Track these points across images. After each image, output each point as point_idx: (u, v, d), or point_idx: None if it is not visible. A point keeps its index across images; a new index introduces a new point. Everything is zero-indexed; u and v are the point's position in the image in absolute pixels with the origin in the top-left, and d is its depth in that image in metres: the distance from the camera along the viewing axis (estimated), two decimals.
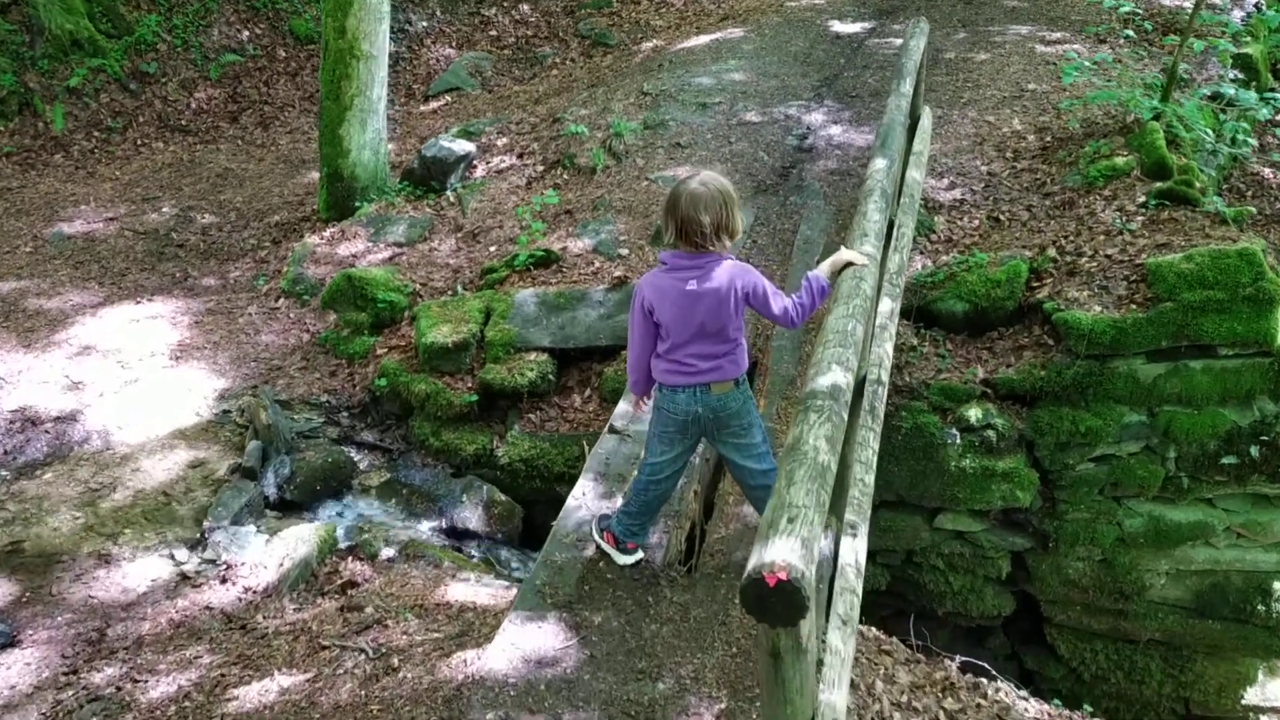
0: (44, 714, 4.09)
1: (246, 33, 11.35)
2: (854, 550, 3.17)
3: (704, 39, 10.63)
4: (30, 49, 10.23)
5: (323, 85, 8.22)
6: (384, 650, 4.06)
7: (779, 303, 3.48)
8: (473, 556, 5.68)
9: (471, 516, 5.93)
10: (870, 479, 3.49)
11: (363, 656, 4.04)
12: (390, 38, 8.60)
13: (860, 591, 3.07)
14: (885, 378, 4.01)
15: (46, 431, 6.25)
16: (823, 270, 3.63)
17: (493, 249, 7.51)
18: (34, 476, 5.96)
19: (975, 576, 6.15)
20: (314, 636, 4.32)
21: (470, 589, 4.60)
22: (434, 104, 11.04)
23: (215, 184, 9.54)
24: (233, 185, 9.52)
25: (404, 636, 4.17)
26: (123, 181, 9.49)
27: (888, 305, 4.48)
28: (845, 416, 2.87)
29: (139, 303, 7.45)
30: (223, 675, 4.16)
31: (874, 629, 4.53)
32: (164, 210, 8.81)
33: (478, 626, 4.13)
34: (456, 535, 5.89)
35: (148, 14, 10.95)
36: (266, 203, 9.12)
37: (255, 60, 11.28)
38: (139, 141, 10.20)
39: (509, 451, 6.12)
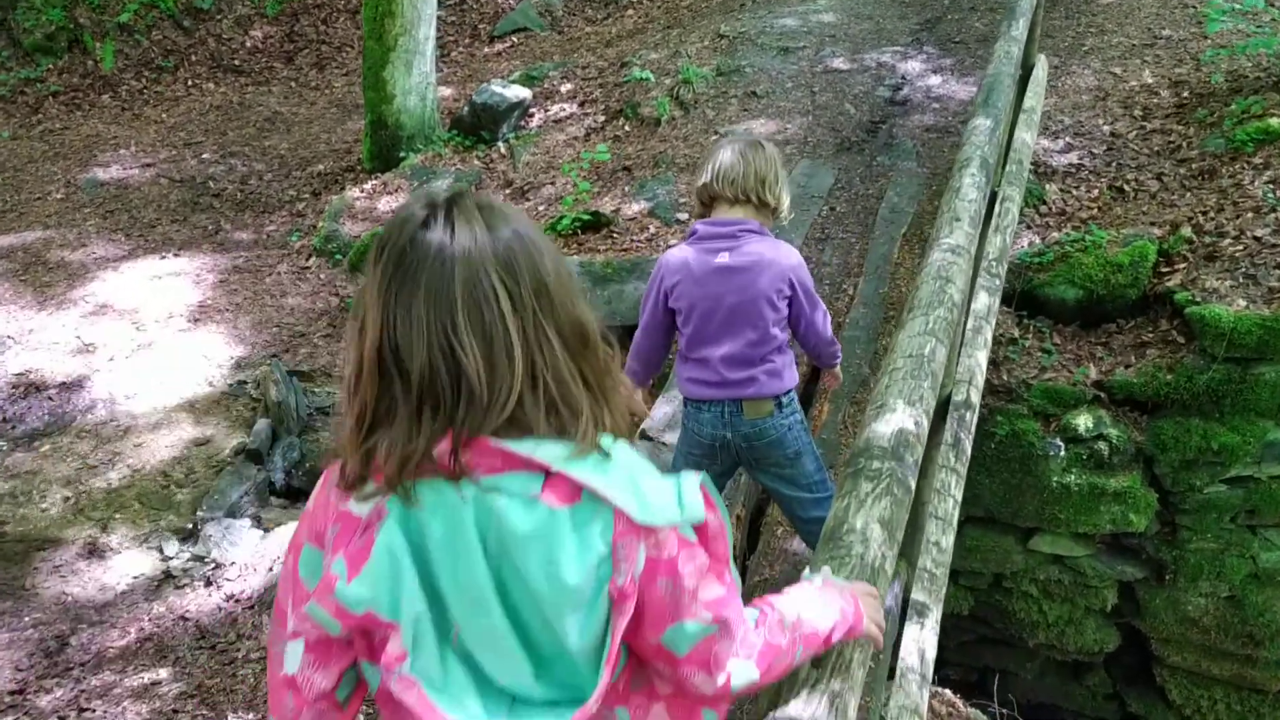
0: None
1: None
2: (918, 645, 2.38)
3: None
4: None
5: (365, 23, 7.54)
6: None
7: (823, 317, 2.70)
8: None
9: None
10: (949, 540, 2.70)
11: None
12: None
13: (925, 714, 2.29)
14: (977, 398, 3.18)
15: (50, 399, 5.76)
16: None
17: (542, 208, 6.78)
18: (31, 448, 5.48)
19: (1075, 607, 5.31)
20: None
21: None
22: (499, 46, 10.29)
23: (262, 129, 8.98)
24: (280, 130, 8.94)
25: None
26: (168, 125, 8.99)
27: (985, 301, 3.64)
28: (913, 483, 2.08)
29: (164, 257, 6.93)
30: (176, 712, 3.58)
31: (948, 692, 3.75)
32: (205, 157, 8.28)
33: None
34: None
35: None
36: (312, 150, 8.52)
37: None
38: (190, 82, 9.69)
39: None
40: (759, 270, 2.68)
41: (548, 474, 1.21)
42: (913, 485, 2.07)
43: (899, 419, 2.20)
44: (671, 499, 1.26)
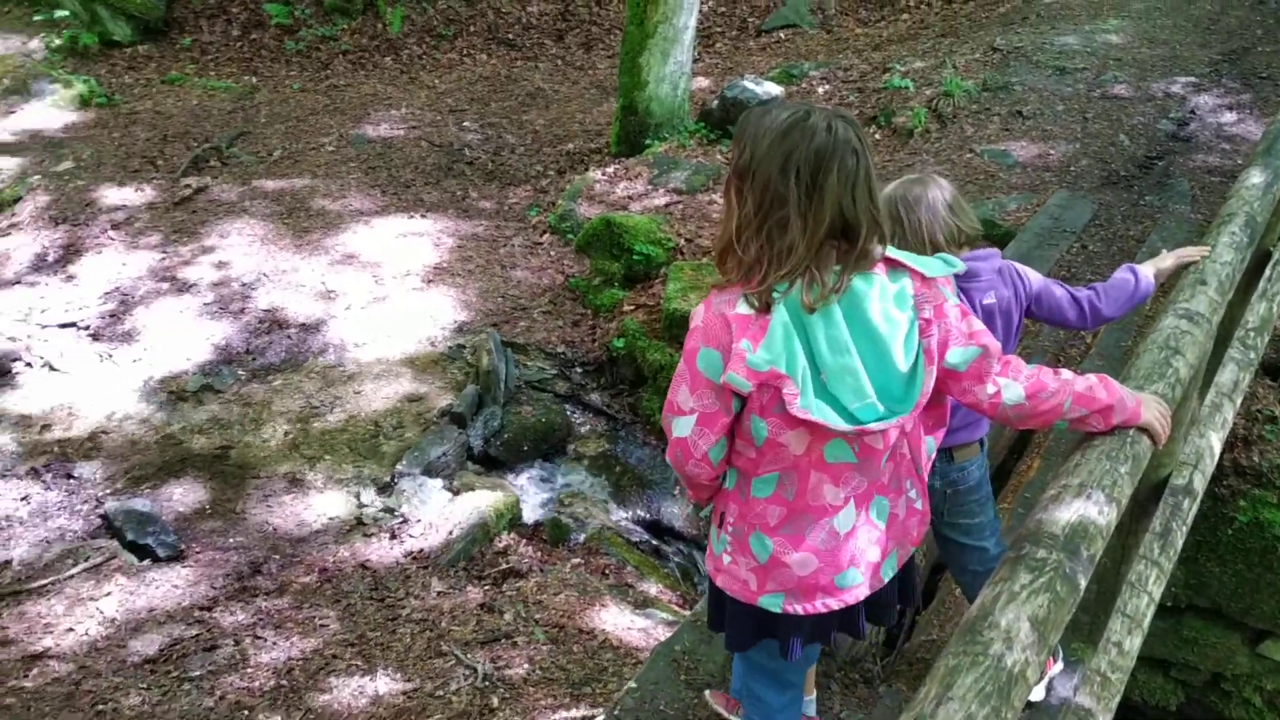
0: (161, 648, 3.85)
1: None
2: None
3: None
4: None
5: (629, 7, 7.59)
6: (495, 679, 3.45)
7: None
8: (667, 562, 4.97)
9: (679, 515, 5.23)
10: (1134, 643, 2.38)
11: (472, 679, 3.46)
12: None
13: None
14: (1202, 484, 2.80)
15: (289, 337, 6.17)
16: (1145, 270, 2.69)
17: None
18: (265, 381, 5.89)
19: None
20: (439, 635, 3.79)
21: (623, 618, 3.89)
22: (765, 40, 10.16)
23: (523, 103, 9.26)
24: (539, 106, 9.19)
25: (525, 665, 3.54)
26: (438, 90, 9.43)
27: (1231, 375, 3.21)
28: (1083, 582, 1.83)
29: (411, 217, 7.26)
30: (334, 657, 3.73)
31: None
32: (466, 125, 8.63)
33: (605, 678, 3.42)
34: (658, 531, 5.21)
35: None
36: (566, 128, 8.71)
37: None
38: (465, 51, 10.12)
39: None
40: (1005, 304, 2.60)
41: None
42: (1082, 584, 1.81)
43: (1082, 505, 1.94)
44: (939, 262, 1.93)
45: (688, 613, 4.14)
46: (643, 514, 5.29)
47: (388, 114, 8.81)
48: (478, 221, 7.30)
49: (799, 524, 2.03)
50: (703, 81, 8.96)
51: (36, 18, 10.07)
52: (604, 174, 7.49)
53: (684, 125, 7.75)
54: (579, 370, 6.13)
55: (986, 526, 2.80)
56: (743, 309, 1.86)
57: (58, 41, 9.90)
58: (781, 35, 10.18)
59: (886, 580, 2.14)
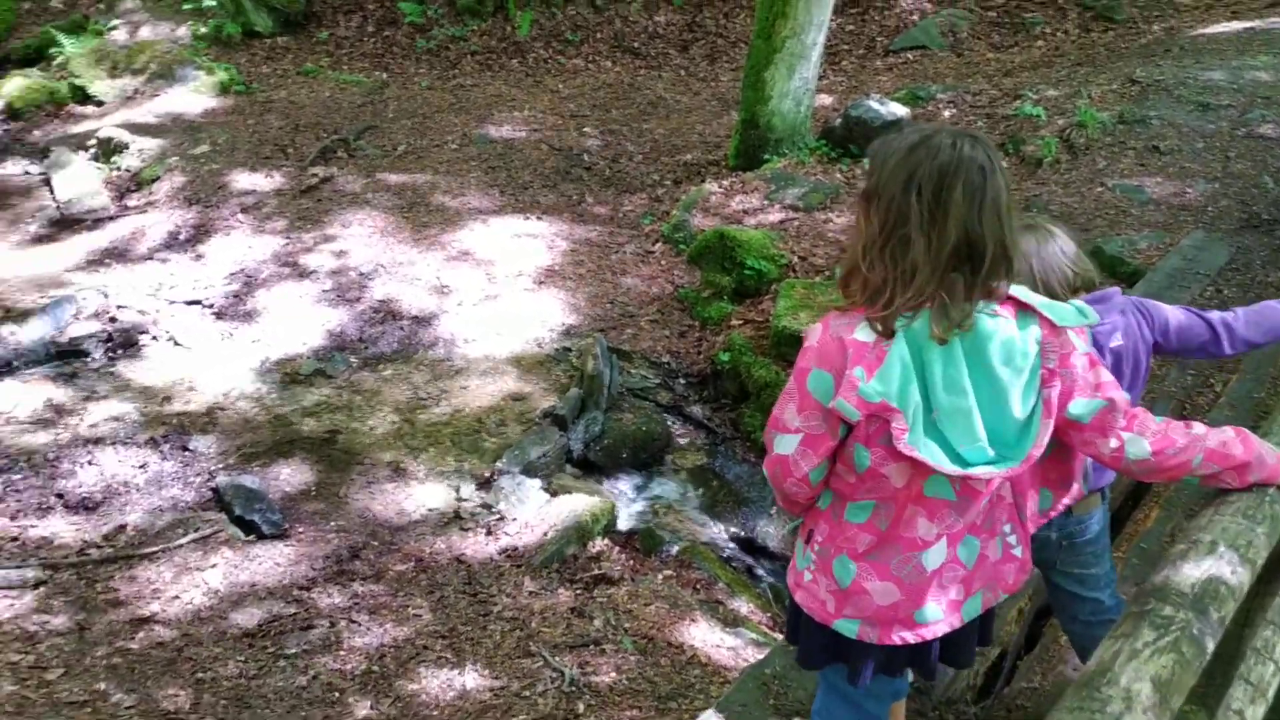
0: (260, 622, 3.95)
1: None
2: None
3: (1235, 26, 8.64)
4: None
5: (757, 21, 7.56)
6: (581, 685, 3.44)
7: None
8: (759, 582, 4.90)
9: (774, 534, 5.15)
10: (1257, 713, 2.24)
11: (559, 683, 3.45)
12: None
13: None
14: None
15: (401, 328, 6.29)
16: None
17: None
18: (376, 370, 6.01)
19: None
20: (528, 635, 3.80)
21: (713, 635, 3.84)
22: (892, 60, 10.01)
23: (644, 111, 9.29)
24: (660, 115, 9.22)
25: (612, 673, 3.52)
26: (561, 95, 9.53)
27: None
28: (1211, 645, 1.73)
29: (527, 218, 7.34)
30: (425, 648, 3.77)
31: None
32: (586, 130, 8.70)
33: (691, 694, 3.38)
34: (752, 550, 5.14)
35: None
36: (685, 139, 8.71)
37: None
38: (590, 57, 10.22)
39: None
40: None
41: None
42: (1210, 647, 1.72)
43: (1213, 564, 1.84)
44: (1073, 311, 1.87)
45: (779, 635, 4.08)
46: (737, 531, 5.23)
47: (510, 116, 8.94)
48: (591, 226, 7.34)
49: (886, 553, 2.00)
50: (826, 99, 8.87)
51: (186, 6, 10.51)
52: (720, 186, 7.46)
53: (805, 142, 7.68)
54: (682, 381, 6.11)
55: (1102, 578, 2.69)
56: (861, 335, 1.83)
57: (203, 30, 10.31)
58: (909, 56, 10.02)
59: (966, 621, 2.09)
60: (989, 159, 1.79)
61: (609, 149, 8.51)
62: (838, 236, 6.61)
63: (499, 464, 5.16)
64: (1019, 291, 1.86)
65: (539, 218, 7.39)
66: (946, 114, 7.97)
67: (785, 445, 1.96)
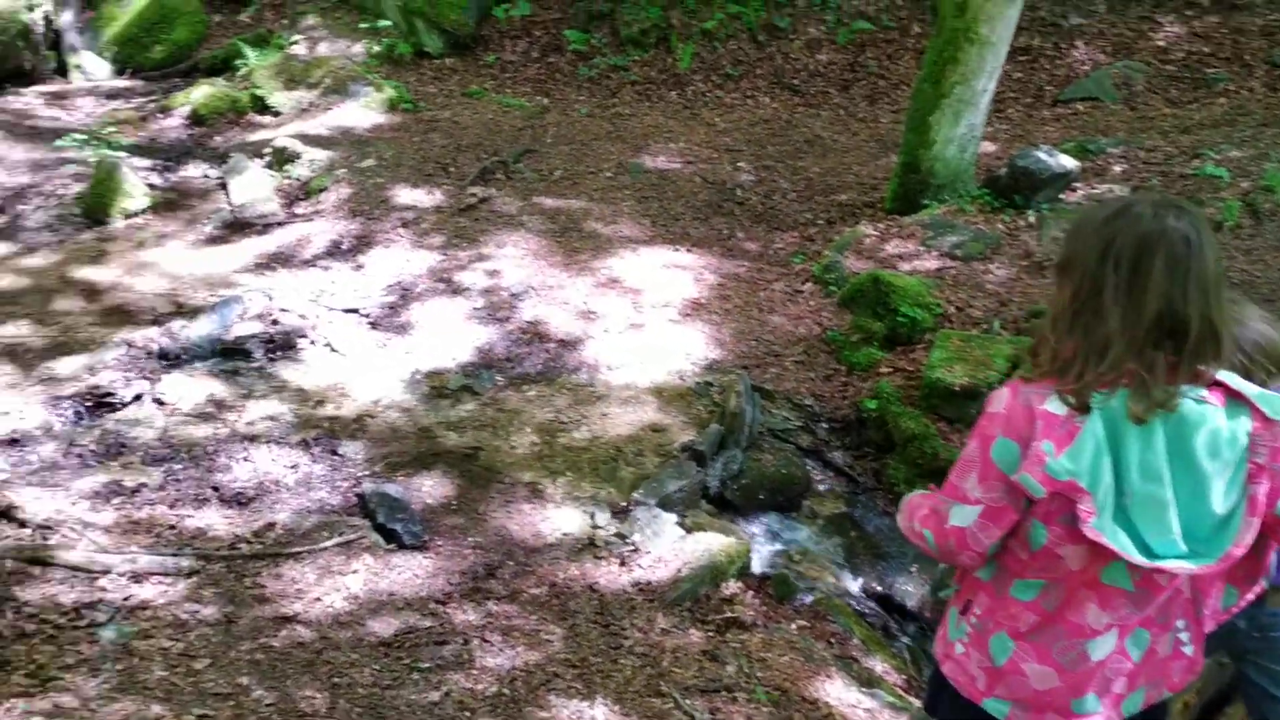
0: (395, 633, 4.00)
1: (886, 1, 10.84)
2: None
3: None
4: None
5: (924, 65, 7.42)
6: None
7: None
8: (895, 641, 4.74)
9: (913, 594, 4.98)
10: None
11: None
12: (1028, 29, 7.52)
13: None
14: None
15: (547, 351, 6.35)
16: None
17: None
18: (520, 389, 6.08)
19: None
20: (659, 674, 3.75)
21: (848, 694, 3.72)
22: (1060, 110, 9.70)
23: (800, 149, 9.22)
24: (816, 154, 9.14)
25: None
26: (718, 129, 9.54)
27: None
28: None
29: (677, 249, 7.35)
30: (555, 675, 3.75)
31: None
32: (740, 165, 8.68)
33: None
34: (889, 607, 4.98)
35: None
36: (840, 179, 8.60)
37: (886, 32, 10.74)
38: (748, 92, 10.22)
39: None
40: None
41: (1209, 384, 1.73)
42: None
43: None
44: None
45: (915, 700, 3.93)
46: (874, 585, 5.08)
47: (666, 147, 8.99)
48: (741, 262, 7.30)
49: (1049, 636, 1.91)
50: (989, 146, 8.64)
51: (362, 25, 10.94)
52: (875, 229, 7.33)
53: (967, 190, 7.48)
54: (824, 426, 5.99)
55: None
56: (1053, 406, 1.76)
57: (376, 48, 10.71)
58: (1079, 107, 9.70)
59: (1126, 717, 1.97)
60: (1196, 231, 1.69)
61: (762, 185, 8.47)
62: (997, 289, 6.41)
63: (635, 495, 5.14)
64: (1228, 378, 1.76)
65: (688, 250, 7.39)
66: (1117, 169, 7.67)
67: (963, 516, 1.90)
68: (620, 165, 8.57)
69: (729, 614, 4.28)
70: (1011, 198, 7.23)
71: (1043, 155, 7.19)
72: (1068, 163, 7.21)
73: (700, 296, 6.82)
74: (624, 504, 5.10)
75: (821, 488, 5.66)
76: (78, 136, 8.49)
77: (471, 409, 5.89)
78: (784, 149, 9.20)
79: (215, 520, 4.70)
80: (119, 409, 5.64)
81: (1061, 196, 7.27)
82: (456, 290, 6.84)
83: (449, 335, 6.44)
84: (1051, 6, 10.41)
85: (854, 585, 5.05)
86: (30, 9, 10.50)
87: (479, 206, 7.83)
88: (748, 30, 10.56)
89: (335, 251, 7.36)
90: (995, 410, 1.86)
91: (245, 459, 5.23)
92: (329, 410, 5.78)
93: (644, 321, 6.59)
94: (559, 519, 4.97)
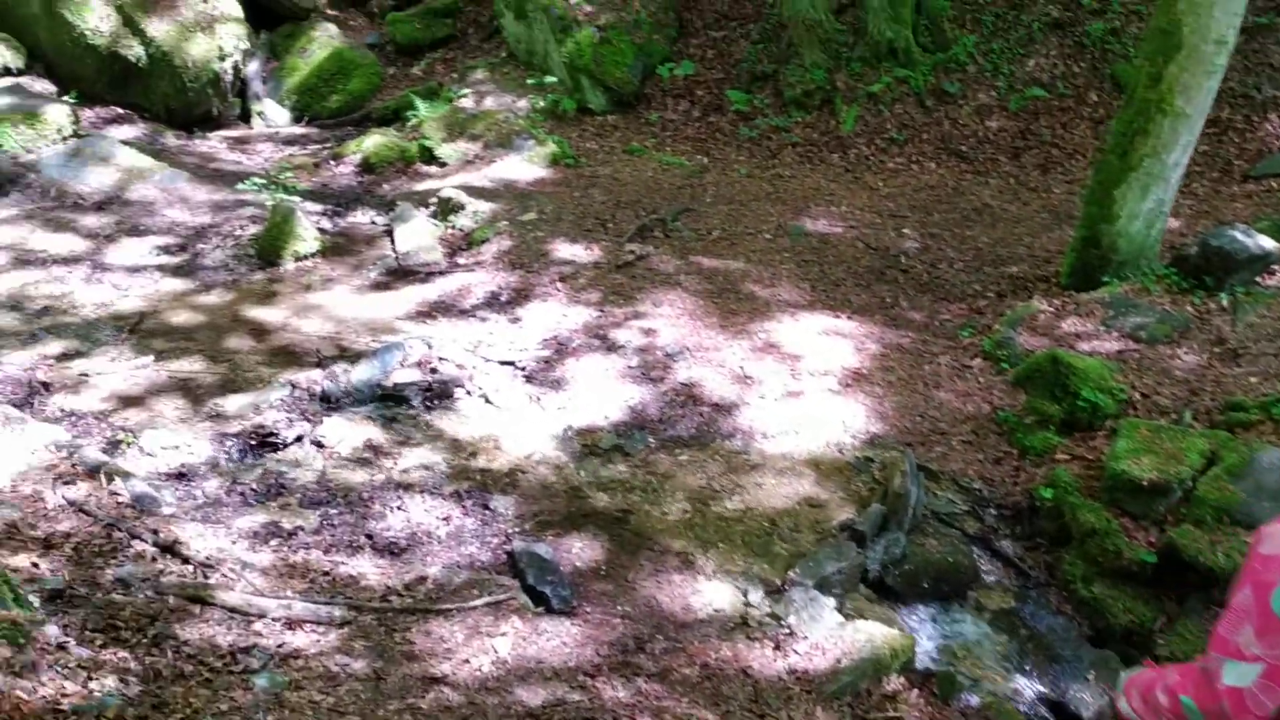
0: (544, 703, 3.86)
1: (1062, 68, 10.47)
2: None
3: None
4: (849, 51, 10.51)
5: (1111, 136, 7.05)
6: None
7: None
8: None
9: (1089, 703, 4.59)
10: None
11: None
12: (1217, 100, 7.10)
13: None
14: None
15: (701, 414, 6.20)
16: None
17: (1254, 380, 5.80)
18: (672, 453, 5.93)
19: None
20: None
21: None
22: (1251, 187, 9.13)
23: (967, 217, 8.91)
24: (984, 223, 8.81)
25: None
26: (881, 193, 9.32)
27: None
28: None
29: (837, 316, 7.13)
30: None
31: None
32: (905, 231, 8.43)
33: None
34: (1062, 716, 4.60)
35: (969, 33, 10.62)
36: (1010, 250, 8.25)
37: (1061, 99, 10.35)
38: (913, 157, 9.97)
39: (1175, 647, 4.60)
40: None
41: None
42: None
43: None
44: None
45: None
46: (1045, 690, 4.70)
47: (827, 210, 8.81)
48: (904, 332, 7.03)
49: None
50: (1172, 223, 8.17)
51: (529, 81, 11.17)
52: (1050, 305, 6.97)
53: (1152, 268, 7.05)
54: (993, 512, 5.65)
55: None
56: None
57: (541, 104, 10.90)
58: (1273, 184, 9.11)
59: None
60: None
61: (928, 253, 8.19)
62: (1186, 376, 5.97)
63: (791, 574, 4.91)
64: None
65: (849, 317, 7.16)
66: None
67: (1240, 675, 1.70)
68: (780, 227, 8.43)
69: (891, 713, 4.00)
70: (1201, 278, 6.77)
71: (1239, 235, 6.72)
72: (1267, 244, 6.72)
73: (861, 366, 6.58)
74: (779, 582, 4.87)
75: (989, 579, 5.32)
76: (257, 181, 8.84)
77: (622, 470, 5.77)
78: (951, 216, 8.90)
79: (368, 569, 4.68)
80: (281, 449, 5.73)
81: (1258, 279, 6.77)
82: (611, 347, 6.78)
83: (602, 392, 6.36)
84: (1243, 77, 9.87)
85: (1024, 687, 4.69)
86: (222, 58, 11.07)
87: (636, 264, 7.79)
88: (914, 94, 10.33)
89: (494, 303, 7.40)
90: (1272, 552, 1.63)
91: (399, 508, 5.23)
92: (482, 462, 5.74)
93: (802, 389, 6.38)
94: (710, 593, 4.78)
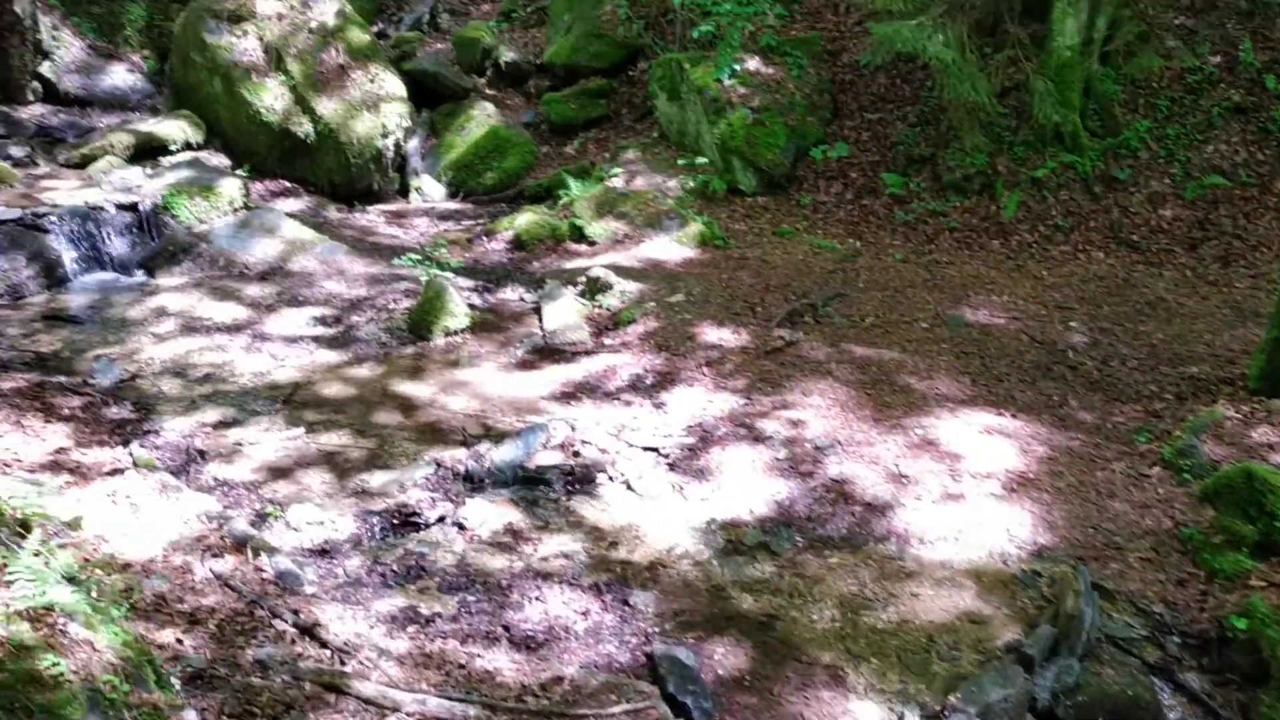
0: None
1: (1244, 155, 9.87)
2: None
3: None
4: (1012, 135, 10.16)
5: None
6: None
7: None
8: None
9: None
10: None
11: None
12: None
13: None
14: None
15: (852, 514, 5.89)
16: None
17: None
18: (821, 554, 5.63)
19: None
20: None
21: None
22: None
23: (1140, 311, 8.39)
24: (1159, 318, 8.26)
25: None
26: (1045, 283, 8.87)
27: None
28: None
29: (1000, 414, 6.73)
30: None
31: None
32: (1072, 325, 7.97)
33: None
34: None
35: (1141, 118, 10.14)
36: (1189, 348, 7.70)
37: (1244, 188, 9.74)
38: (1079, 246, 9.50)
39: None
40: None
41: None
42: None
43: None
44: None
45: None
46: None
47: (988, 299, 8.42)
48: (1074, 434, 6.57)
49: None
50: None
51: (680, 161, 11.17)
52: (1238, 412, 6.41)
53: None
54: (1176, 640, 5.13)
55: None
56: None
57: (691, 184, 10.87)
58: None
59: None
60: None
61: (1097, 349, 7.70)
62: None
63: (952, 698, 4.53)
64: None
65: (1013, 415, 6.75)
66: None
67: None
68: (937, 316, 8.08)
69: None
70: None
71: None
72: None
73: (1027, 469, 6.16)
74: (938, 708, 4.51)
75: (1171, 715, 4.80)
76: (413, 256, 9.02)
77: (768, 570, 5.50)
78: (1122, 310, 8.39)
79: (504, 664, 4.53)
80: (423, 529, 5.68)
81: None
82: (758, 437, 6.54)
83: (748, 485, 6.12)
84: None
85: None
86: (384, 135, 11.46)
87: (785, 350, 7.56)
88: (1081, 180, 9.89)
89: (638, 386, 7.28)
90: None
91: (537, 598, 5.08)
92: (622, 553, 5.57)
93: (962, 491, 6.00)
94: (862, 714, 4.46)
